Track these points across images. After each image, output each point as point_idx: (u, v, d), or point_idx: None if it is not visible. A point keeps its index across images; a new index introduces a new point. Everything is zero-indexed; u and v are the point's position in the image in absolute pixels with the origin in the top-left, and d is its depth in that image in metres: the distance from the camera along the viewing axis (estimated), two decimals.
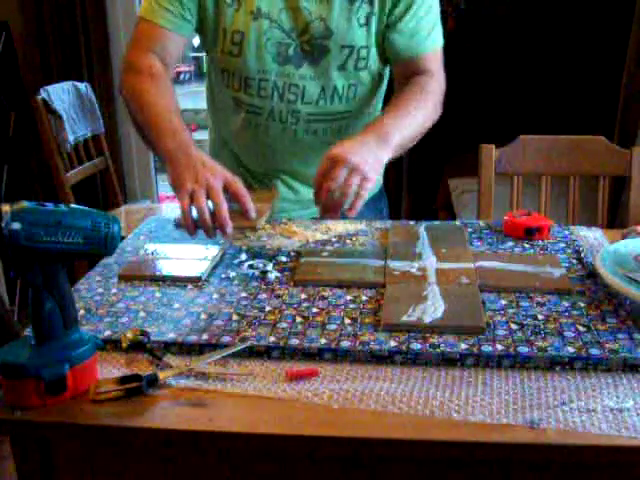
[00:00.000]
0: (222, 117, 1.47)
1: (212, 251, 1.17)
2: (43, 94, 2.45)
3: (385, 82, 1.42)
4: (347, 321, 0.94)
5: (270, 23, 1.25)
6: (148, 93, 1.21)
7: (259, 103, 1.34)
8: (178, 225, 1.10)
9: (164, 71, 1.27)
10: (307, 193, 1.43)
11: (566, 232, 1.29)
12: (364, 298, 1.02)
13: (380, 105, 1.48)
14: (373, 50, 1.30)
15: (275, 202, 1.18)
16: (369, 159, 1.10)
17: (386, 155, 1.15)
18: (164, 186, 3.28)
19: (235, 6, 1.25)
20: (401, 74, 1.34)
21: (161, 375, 0.81)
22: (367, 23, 1.25)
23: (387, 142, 1.15)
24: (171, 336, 0.90)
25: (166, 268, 1.12)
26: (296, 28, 1.26)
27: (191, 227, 1.05)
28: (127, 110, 1.28)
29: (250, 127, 1.38)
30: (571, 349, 0.85)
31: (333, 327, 0.92)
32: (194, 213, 1.05)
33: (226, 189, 1.08)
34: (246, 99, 1.35)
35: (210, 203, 1.05)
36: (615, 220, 2.21)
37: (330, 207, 1.10)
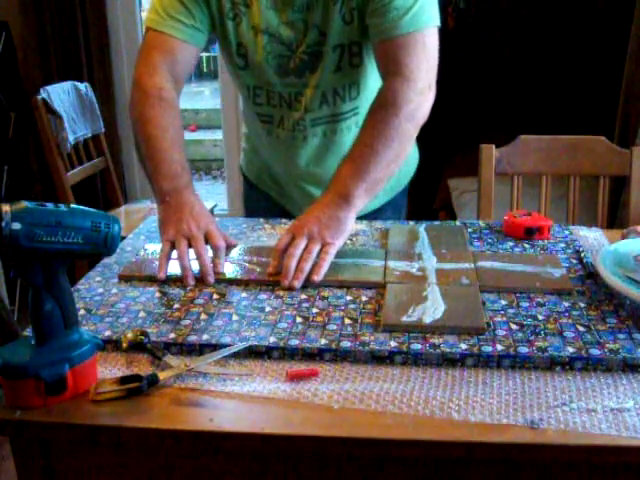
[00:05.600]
0: (248, 124, 1.49)
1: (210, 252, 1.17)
2: (43, 94, 2.45)
3: None
4: (347, 321, 0.94)
5: (270, 37, 1.24)
6: (153, 123, 1.19)
7: (269, 112, 1.34)
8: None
9: (174, 91, 1.24)
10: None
11: (566, 232, 1.30)
12: (364, 298, 1.02)
13: None
14: (366, 46, 1.26)
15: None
16: (330, 223, 1.10)
17: (352, 212, 1.12)
18: None
19: (237, 20, 1.24)
20: (378, 63, 1.22)
21: (161, 375, 0.81)
22: (352, 19, 1.22)
23: (349, 201, 1.11)
24: (171, 336, 0.90)
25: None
26: (295, 40, 1.24)
27: (162, 268, 1.08)
28: (132, 131, 1.25)
29: (267, 134, 1.39)
30: (571, 349, 0.85)
31: (333, 327, 0.92)
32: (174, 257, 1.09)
33: (207, 240, 1.12)
34: (258, 109, 1.35)
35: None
36: (615, 220, 2.21)
37: (290, 275, 1.04)
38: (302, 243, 1.08)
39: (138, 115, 1.22)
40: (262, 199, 1.55)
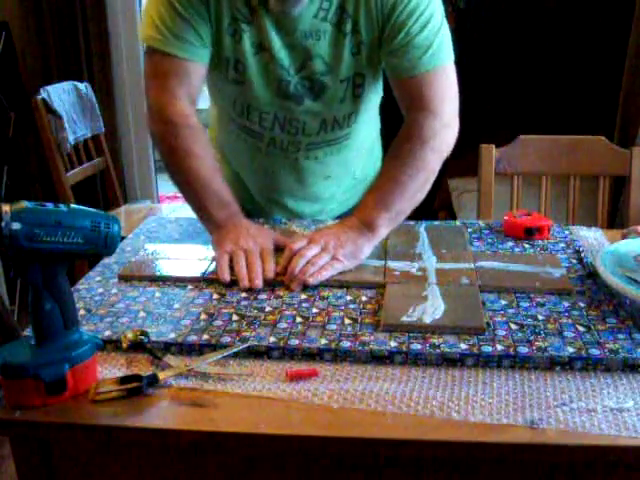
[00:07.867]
0: (224, 135, 1.44)
1: (212, 251, 1.17)
2: (43, 94, 2.45)
3: (380, 91, 1.36)
4: (347, 321, 0.94)
5: (270, 58, 1.20)
6: (190, 155, 1.17)
7: (260, 130, 1.31)
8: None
9: (196, 116, 1.21)
10: (304, 209, 1.44)
11: (566, 232, 1.30)
12: (364, 298, 1.02)
13: (377, 112, 1.44)
14: (368, 77, 1.25)
15: None
16: (347, 245, 1.11)
17: (372, 242, 1.14)
18: (164, 186, 3.28)
19: (236, 37, 1.19)
20: (400, 99, 1.23)
21: (161, 375, 0.81)
22: (358, 52, 1.20)
23: (372, 230, 1.14)
24: (171, 336, 0.90)
25: (166, 268, 1.12)
26: (294, 64, 1.21)
27: (224, 271, 1.08)
28: (163, 162, 1.22)
29: (251, 149, 1.36)
30: (571, 349, 0.85)
31: (333, 327, 0.92)
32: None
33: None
34: (248, 124, 1.32)
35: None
36: (615, 220, 2.21)
37: (295, 272, 1.06)
38: (315, 250, 1.09)
39: (171, 148, 1.19)
40: None
